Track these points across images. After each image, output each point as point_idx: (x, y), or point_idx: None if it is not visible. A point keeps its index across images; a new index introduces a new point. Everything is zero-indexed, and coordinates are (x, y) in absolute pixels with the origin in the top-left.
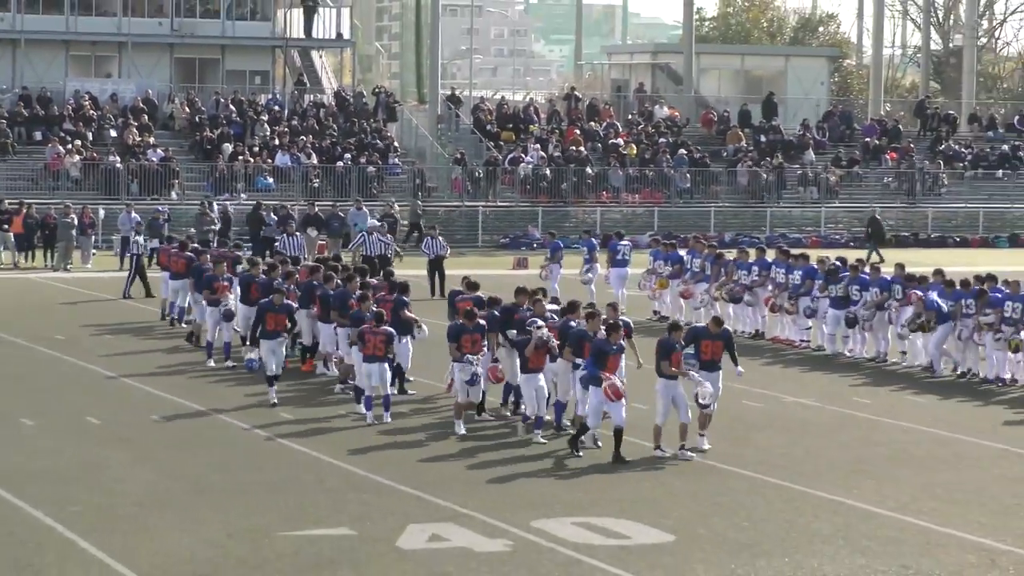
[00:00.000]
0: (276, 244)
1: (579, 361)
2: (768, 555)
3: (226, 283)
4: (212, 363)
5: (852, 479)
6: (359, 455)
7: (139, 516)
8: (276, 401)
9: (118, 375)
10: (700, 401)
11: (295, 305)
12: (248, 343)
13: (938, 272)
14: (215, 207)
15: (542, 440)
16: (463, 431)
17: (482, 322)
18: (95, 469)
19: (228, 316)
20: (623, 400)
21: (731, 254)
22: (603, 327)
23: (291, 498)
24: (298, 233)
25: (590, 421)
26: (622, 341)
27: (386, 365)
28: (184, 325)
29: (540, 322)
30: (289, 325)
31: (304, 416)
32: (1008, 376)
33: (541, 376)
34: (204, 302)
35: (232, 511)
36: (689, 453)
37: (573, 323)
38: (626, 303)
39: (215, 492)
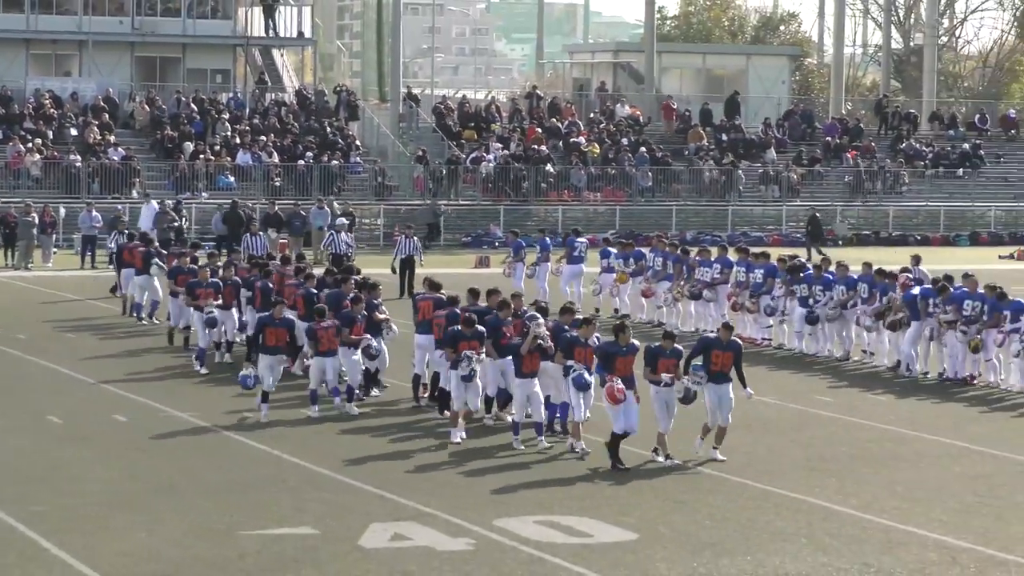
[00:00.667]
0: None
1: (570, 363)
2: (730, 553)
3: (210, 288)
4: (204, 370)
5: (814, 477)
6: (321, 454)
7: (101, 516)
8: (265, 418)
9: (80, 374)
10: (679, 397)
11: (294, 319)
12: (246, 359)
13: (905, 270)
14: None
15: (547, 444)
16: (459, 439)
17: (481, 329)
18: (57, 469)
19: (211, 323)
20: (632, 405)
21: (693, 252)
22: (586, 329)
23: (253, 497)
24: (261, 233)
25: (616, 427)
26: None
27: (338, 358)
28: (150, 321)
29: (540, 319)
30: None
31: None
32: (967, 374)
33: (536, 381)
34: (192, 310)
35: (194, 510)
36: (719, 455)
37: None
38: (581, 300)
39: (177, 492)
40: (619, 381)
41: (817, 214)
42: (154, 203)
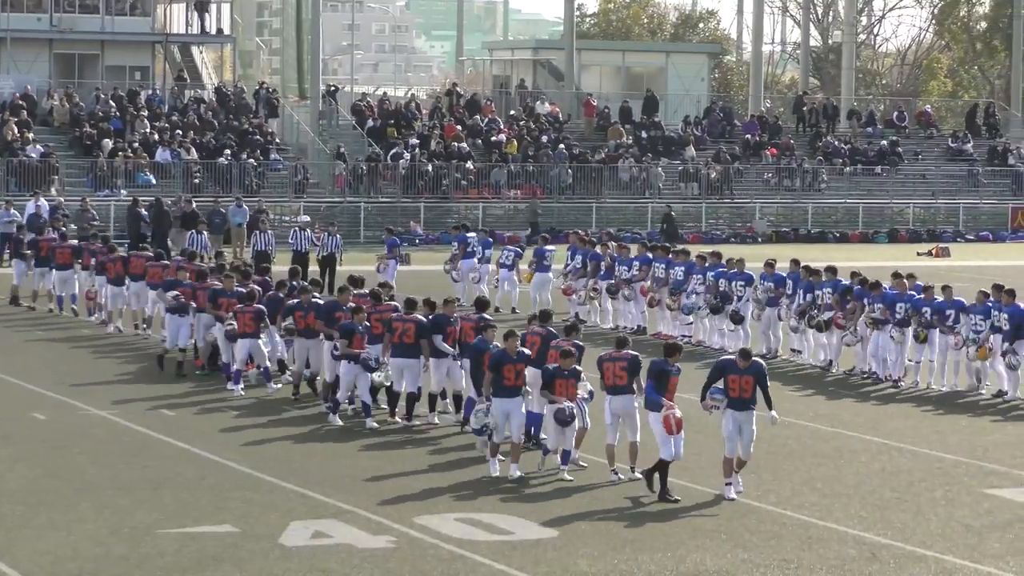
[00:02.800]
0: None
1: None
2: (651, 550)
3: (234, 299)
4: (241, 390)
5: (745, 478)
6: (241, 452)
7: (20, 514)
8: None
9: None
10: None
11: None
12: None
13: (830, 269)
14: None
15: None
16: (497, 472)
17: (526, 351)
18: None
19: (231, 336)
20: (681, 433)
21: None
22: (568, 361)
23: (173, 495)
24: (203, 231)
25: (663, 453)
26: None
27: (258, 341)
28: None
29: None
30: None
31: (185, 413)
32: (899, 374)
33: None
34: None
35: (114, 509)
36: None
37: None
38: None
39: (96, 490)
40: (677, 410)
41: (672, 212)
42: (43, 200)
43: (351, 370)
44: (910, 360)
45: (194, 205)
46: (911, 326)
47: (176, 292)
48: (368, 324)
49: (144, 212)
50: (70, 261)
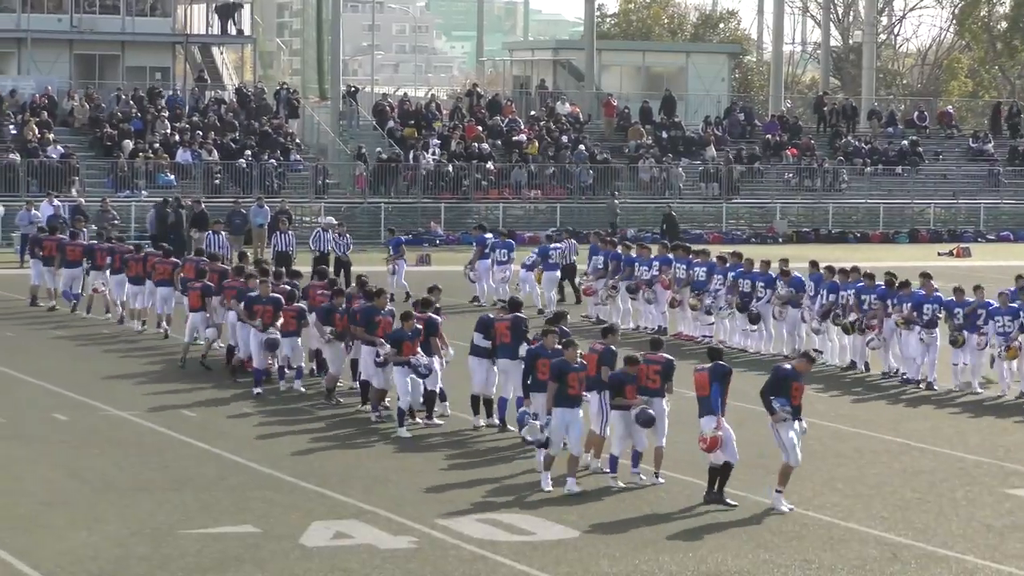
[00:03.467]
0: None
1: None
2: (672, 550)
3: (269, 306)
4: (259, 390)
5: (754, 474)
6: (262, 452)
7: (42, 515)
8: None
9: (20, 372)
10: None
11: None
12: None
13: (855, 269)
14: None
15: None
16: (549, 487)
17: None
18: None
19: (272, 345)
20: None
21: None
22: (571, 352)
23: (194, 496)
24: (224, 232)
25: (730, 457)
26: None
27: (298, 340)
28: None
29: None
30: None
31: (206, 414)
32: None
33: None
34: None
35: (135, 509)
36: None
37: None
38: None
39: (117, 490)
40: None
41: (673, 212)
42: (56, 202)
43: (405, 374)
44: (954, 364)
45: (203, 205)
46: (936, 327)
47: (275, 334)
48: (418, 328)
49: (169, 212)
50: (79, 259)
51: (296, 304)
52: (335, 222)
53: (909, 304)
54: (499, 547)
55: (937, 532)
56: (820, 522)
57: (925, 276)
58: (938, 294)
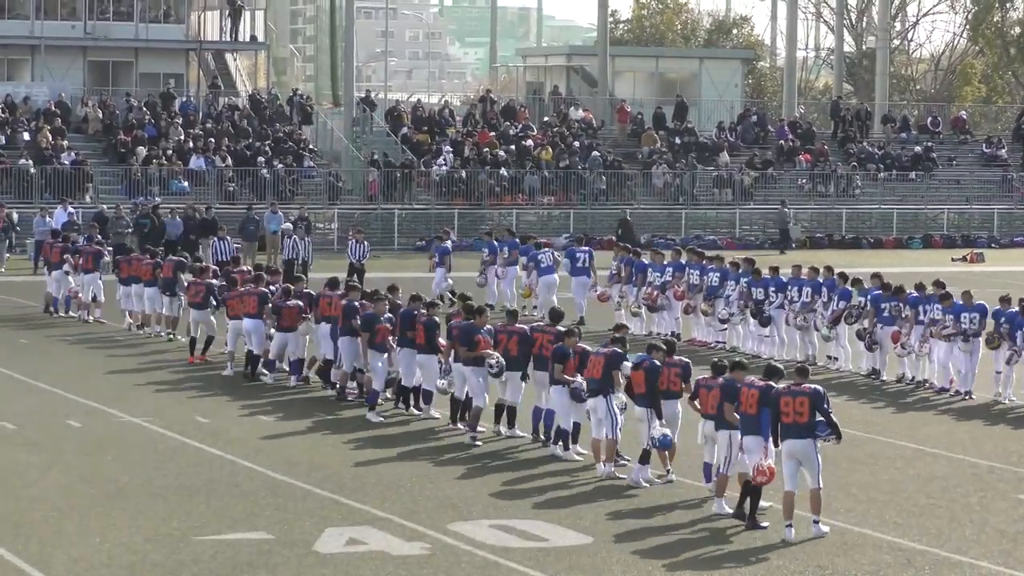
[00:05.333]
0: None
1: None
2: (685, 556)
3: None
4: (374, 418)
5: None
6: (275, 458)
7: (54, 521)
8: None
9: (33, 379)
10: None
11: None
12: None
13: (876, 276)
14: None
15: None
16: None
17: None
18: (10, 474)
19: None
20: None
21: (646, 256)
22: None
23: (207, 502)
24: (228, 238)
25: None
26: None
27: (260, 322)
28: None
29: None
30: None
31: (219, 420)
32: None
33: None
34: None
35: (148, 515)
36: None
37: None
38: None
39: (130, 496)
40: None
41: (629, 217)
42: (71, 208)
43: (379, 358)
44: (998, 372)
45: (208, 213)
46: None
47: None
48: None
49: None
50: (60, 261)
51: (297, 300)
52: (290, 226)
53: (952, 316)
54: (512, 553)
55: (951, 538)
56: (834, 528)
57: (966, 294)
58: (981, 303)
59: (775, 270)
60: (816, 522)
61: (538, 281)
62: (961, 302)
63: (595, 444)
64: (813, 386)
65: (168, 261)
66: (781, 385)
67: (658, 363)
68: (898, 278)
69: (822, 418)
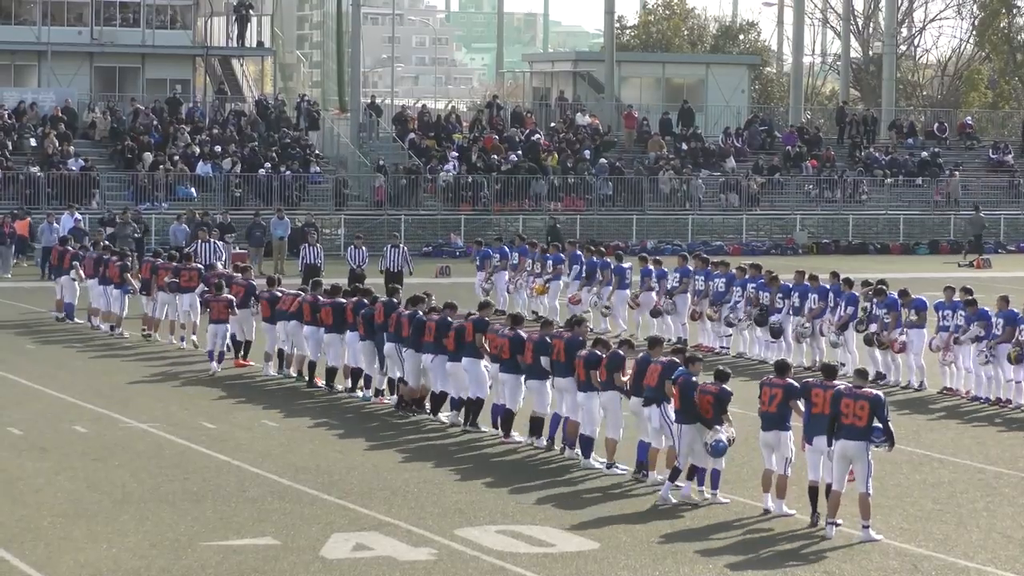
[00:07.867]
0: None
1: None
2: (692, 561)
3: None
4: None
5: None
6: (281, 464)
7: (61, 527)
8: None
9: (40, 385)
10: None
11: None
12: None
13: (882, 283)
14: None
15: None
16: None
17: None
18: (17, 480)
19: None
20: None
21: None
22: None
23: (213, 508)
24: (212, 239)
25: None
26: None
27: (226, 326)
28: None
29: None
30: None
31: (225, 426)
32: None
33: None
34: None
35: (155, 521)
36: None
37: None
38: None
39: (137, 502)
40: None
41: (557, 224)
42: (77, 214)
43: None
44: (1017, 382)
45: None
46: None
47: None
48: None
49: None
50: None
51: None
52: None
53: (975, 322)
54: (519, 559)
55: (958, 543)
56: (841, 533)
57: (1004, 299)
58: (1013, 309)
59: (774, 278)
60: (866, 527)
61: (614, 294)
62: (987, 308)
63: (653, 453)
64: (875, 392)
65: (112, 261)
66: (841, 385)
67: (694, 377)
68: (902, 284)
69: (879, 424)
